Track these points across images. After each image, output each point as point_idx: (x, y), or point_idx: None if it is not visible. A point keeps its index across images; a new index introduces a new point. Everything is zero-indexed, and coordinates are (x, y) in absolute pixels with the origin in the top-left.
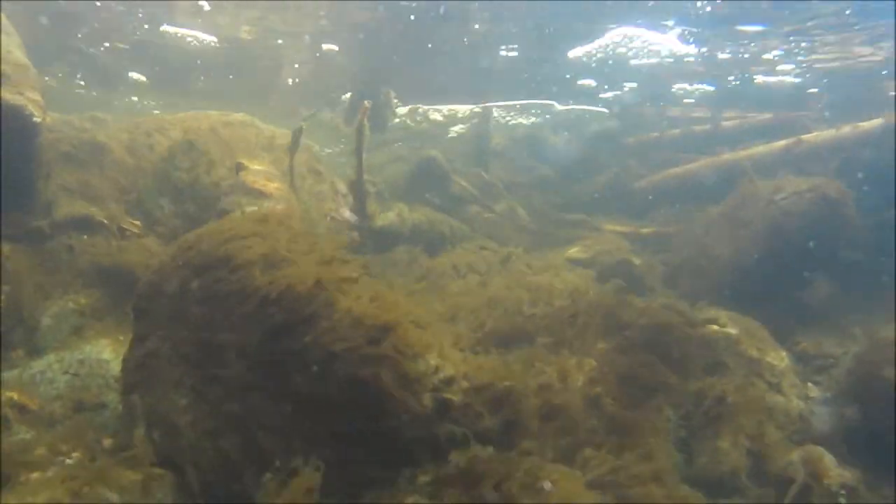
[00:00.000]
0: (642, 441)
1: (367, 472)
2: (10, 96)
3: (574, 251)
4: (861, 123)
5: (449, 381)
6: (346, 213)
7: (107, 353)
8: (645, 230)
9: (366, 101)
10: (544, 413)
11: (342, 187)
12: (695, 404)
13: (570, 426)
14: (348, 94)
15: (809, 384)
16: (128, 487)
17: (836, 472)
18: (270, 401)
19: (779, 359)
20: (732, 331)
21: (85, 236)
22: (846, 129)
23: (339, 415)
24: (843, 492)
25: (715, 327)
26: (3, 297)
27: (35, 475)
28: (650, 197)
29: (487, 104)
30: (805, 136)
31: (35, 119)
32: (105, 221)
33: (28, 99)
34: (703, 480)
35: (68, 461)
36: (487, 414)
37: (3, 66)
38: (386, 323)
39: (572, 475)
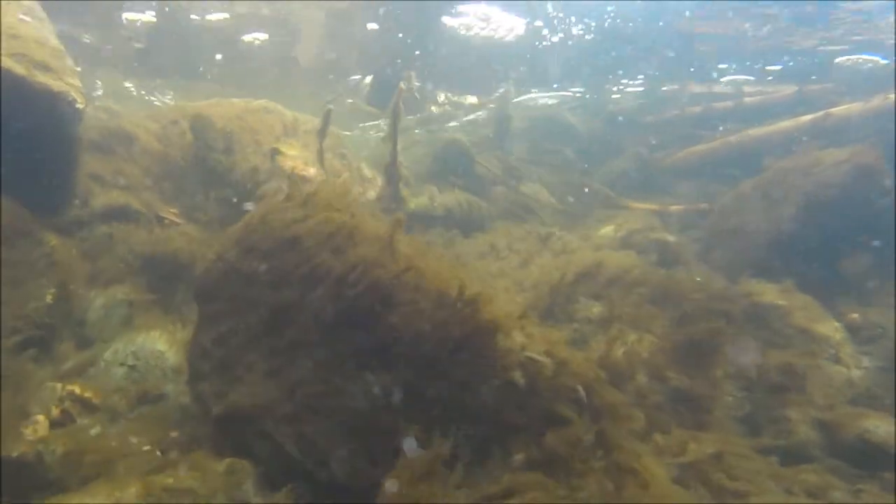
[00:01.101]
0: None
1: (459, 450)
2: (53, 83)
3: (607, 230)
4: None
5: (535, 358)
6: (373, 197)
7: (160, 343)
8: (674, 207)
9: (402, 83)
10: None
11: (367, 171)
12: (757, 377)
13: (637, 401)
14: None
15: (860, 354)
16: (211, 477)
17: None
18: (353, 382)
19: (833, 329)
20: (782, 302)
21: (123, 225)
22: (875, 102)
23: (428, 393)
24: None
25: (767, 299)
26: (52, 289)
27: (117, 469)
28: (674, 175)
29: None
30: (833, 110)
31: (78, 105)
32: (142, 210)
33: (70, 85)
34: (773, 453)
35: (143, 452)
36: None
37: (43, 54)
38: (471, 299)
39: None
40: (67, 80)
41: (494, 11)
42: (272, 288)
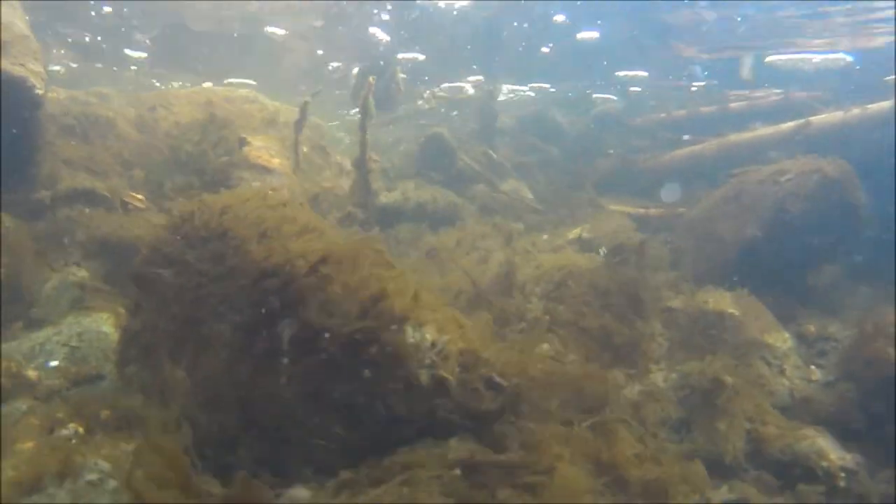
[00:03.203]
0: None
1: (359, 448)
2: (11, 67)
3: (578, 231)
4: (869, 105)
5: (446, 357)
6: (349, 190)
7: (106, 325)
8: (653, 211)
9: (370, 77)
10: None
11: (347, 164)
12: (696, 383)
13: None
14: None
15: (812, 367)
16: (120, 458)
17: (835, 455)
18: (265, 373)
19: (781, 340)
20: (734, 311)
21: (87, 209)
22: (855, 112)
23: (333, 388)
24: (842, 475)
25: (719, 307)
26: (3, 269)
27: (28, 445)
28: (656, 178)
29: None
30: (814, 118)
31: (37, 91)
32: (107, 195)
33: (30, 70)
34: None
35: (64, 432)
36: (485, 391)
37: (5, 38)
38: (380, 294)
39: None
40: (29, 66)
41: None
42: (197, 277)
